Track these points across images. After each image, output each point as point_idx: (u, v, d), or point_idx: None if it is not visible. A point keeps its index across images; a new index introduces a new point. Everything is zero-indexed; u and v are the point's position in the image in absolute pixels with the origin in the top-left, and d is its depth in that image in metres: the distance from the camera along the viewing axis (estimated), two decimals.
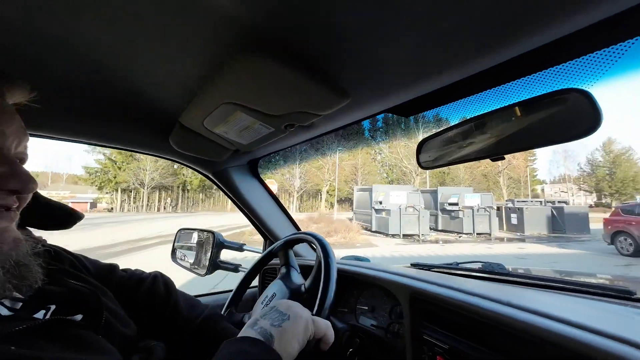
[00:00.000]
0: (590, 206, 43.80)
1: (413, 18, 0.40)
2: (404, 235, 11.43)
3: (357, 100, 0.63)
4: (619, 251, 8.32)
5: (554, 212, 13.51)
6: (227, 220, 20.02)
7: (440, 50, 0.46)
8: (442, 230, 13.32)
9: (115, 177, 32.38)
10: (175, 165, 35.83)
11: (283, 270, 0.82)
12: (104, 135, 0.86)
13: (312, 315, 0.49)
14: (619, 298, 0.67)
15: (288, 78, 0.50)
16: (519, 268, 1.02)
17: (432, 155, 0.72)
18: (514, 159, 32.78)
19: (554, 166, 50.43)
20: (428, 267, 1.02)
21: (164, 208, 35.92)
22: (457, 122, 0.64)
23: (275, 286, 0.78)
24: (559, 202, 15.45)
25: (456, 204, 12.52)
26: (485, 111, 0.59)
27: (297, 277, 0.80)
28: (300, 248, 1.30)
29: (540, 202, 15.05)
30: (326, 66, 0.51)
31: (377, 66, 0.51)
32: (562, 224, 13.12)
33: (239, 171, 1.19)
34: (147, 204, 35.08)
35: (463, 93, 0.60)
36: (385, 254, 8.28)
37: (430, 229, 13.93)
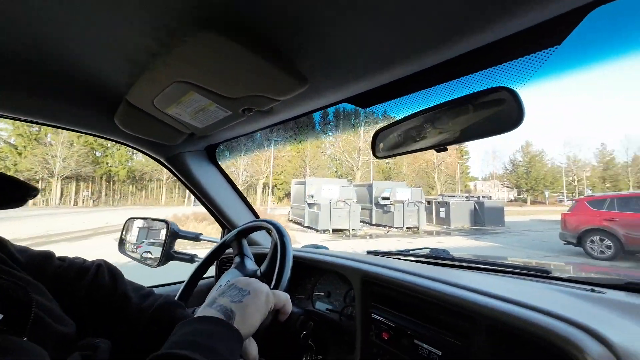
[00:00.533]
0: (511, 201, 49.97)
1: (370, 9, 0.42)
2: (333, 230, 10.99)
3: (316, 88, 0.64)
4: (589, 253, 6.65)
5: (476, 207, 14.38)
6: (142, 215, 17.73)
7: (394, 44, 0.48)
8: (375, 225, 13.28)
9: (15, 165, 26.95)
10: (98, 153, 31.21)
11: (237, 259, 0.80)
12: (41, 112, 0.78)
13: (271, 289, 0.50)
14: (538, 276, 0.78)
15: (244, 60, 0.50)
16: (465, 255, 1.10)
17: (386, 146, 0.74)
18: (447, 157, 35.05)
19: (485, 164, 56.12)
20: (383, 254, 1.10)
21: (83, 202, 31.09)
22: (408, 115, 0.66)
23: (230, 275, 0.76)
24: (482, 197, 16.65)
25: (388, 198, 12.49)
26: (433, 105, 0.62)
27: (251, 265, 0.78)
28: (259, 237, 1.29)
29: (466, 196, 15.98)
30: (285, 50, 0.51)
31: (336, 54, 0.52)
32: (482, 218, 14.02)
33: (195, 157, 1.15)
34: (61, 197, 29.99)
35: (415, 87, 0.63)
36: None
37: (365, 223, 13.84)
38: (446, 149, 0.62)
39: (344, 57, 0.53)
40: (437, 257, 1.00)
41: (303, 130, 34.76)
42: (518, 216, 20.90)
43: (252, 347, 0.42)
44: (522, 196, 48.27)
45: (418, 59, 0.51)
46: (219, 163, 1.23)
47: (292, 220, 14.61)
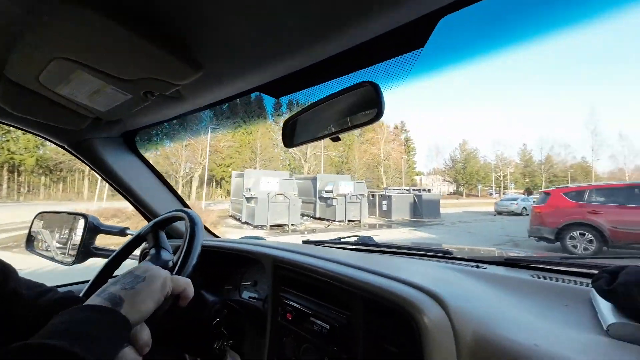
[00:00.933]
0: (450, 194, 54.68)
1: (248, 2, 0.44)
2: (271, 226, 10.34)
3: (219, 75, 0.65)
4: (569, 250, 5.90)
5: (416, 199, 14.96)
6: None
7: (286, 34, 0.50)
8: (319, 218, 12.96)
9: None
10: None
11: (152, 252, 0.78)
12: None
13: (173, 275, 0.50)
14: (442, 258, 0.89)
15: (127, 40, 0.49)
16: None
17: (294, 135, 0.76)
18: (392, 152, 36.45)
19: (429, 160, 60.29)
20: (318, 243, 1.20)
21: None
22: (308, 105, 0.69)
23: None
24: (422, 190, 17.51)
25: (331, 192, 12.22)
26: (330, 94, 0.66)
27: (167, 256, 0.76)
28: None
29: (407, 190, 16.54)
30: (174, 33, 0.51)
31: (232, 41, 0.53)
32: (421, 210, 14.64)
33: (110, 144, 1.11)
34: None
35: (322, 77, 0.66)
36: None
37: (309, 216, 13.45)
38: (339, 139, 0.66)
39: (241, 44, 0.54)
40: (363, 244, 1.14)
41: (249, 116, 33.08)
42: (453, 208, 22.57)
43: (144, 332, 0.41)
44: (459, 189, 53.09)
45: (314, 50, 0.54)
46: (142, 151, 1.19)
47: (231, 216, 13.57)
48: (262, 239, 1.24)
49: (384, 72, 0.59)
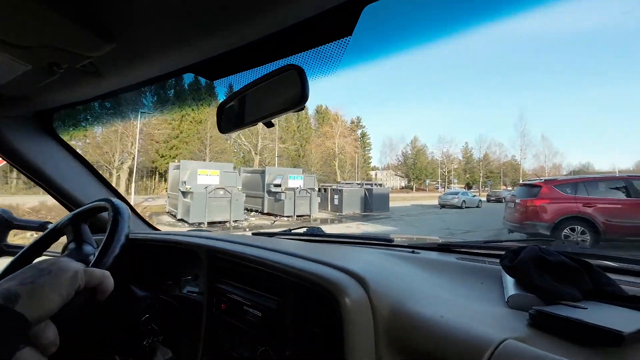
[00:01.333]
0: (402, 188, 57.69)
1: None
2: (209, 223, 9.42)
3: (138, 49, 0.59)
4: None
5: (366, 193, 15.09)
6: None
7: (212, 11, 0.47)
8: (267, 214, 12.28)
9: None
10: None
11: (72, 246, 0.72)
12: None
13: (90, 267, 0.48)
14: (384, 245, 0.96)
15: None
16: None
17: (228, 120, 0.74)
18: (347, 146, 36.87)
19: (384, 156, 62.70)
20: (269, 235, 1.23)
21: None
22: (241, 88, 0.67)
23: None
24: (375, 184, 17.80)
25: (280, 186, 11.61)
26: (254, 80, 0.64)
27: (89, 250, 0.72)
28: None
29: (359, 184, 16.63)
30: None
31: (149, 9, 0.48)
32: (371, 204, 14.81)
33: (18, 125, 0.99)
34: None
35: (255, 61, 0.64)
36: None
37: (257, 212, 12.72)
38: (272, 124, 0.65)
39: (162, 15, 0.49)
40: (312, 235, 1.20)
41: (199, 103, 30.65)
42: (403, 202, 23.59)
43: (49, 330, 0.39)
44: (410, 184, 56.26)
45: (244, 30, 0.52)
46: (65, 137, 1.10)
47: (168, 212, 12.21)
48: (208, 231, 1.22)
49: (316, 58, 0.59)
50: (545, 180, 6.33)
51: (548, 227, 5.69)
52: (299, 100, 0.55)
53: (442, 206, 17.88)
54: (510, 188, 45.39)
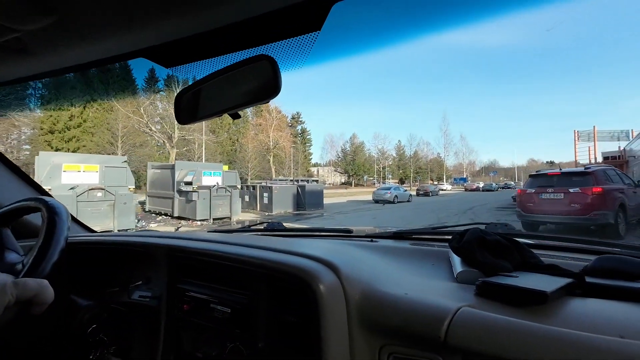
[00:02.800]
0: (342, 184, 58.92)
1: None
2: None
3: (81, 27, 0.52)
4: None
5: (299, 190, 14.01)
6: None
7: None
8: (178, 217, 10.19)
9: None
10: None
11: None
12: None
13: (21, 278, 0.44)
14: (344, 236, 1.02)
15: None
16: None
17: (188, 110, 0.70)
18: (281, 140, 35.39)
19: (325, 152, 63.06)
20: (227, 231, 1.22)
21: None
22: (205, 76, 0.63)
23: None
24: (309, 180, 16.88)
25: (191, 183, 9.66)
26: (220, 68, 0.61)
27: (14, 258, 0.65)
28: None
29: (292, 180, 15.46)
30: None
31: None
32: (304, 201, 13.79)
33: None
34: None
35: (217, 49, 0.61)
36: None
37: (166, 215, 10.52)
38: (239, 116, 0.63)
39: None
40: (272, 229, 1.20)
41: (109, 88, 25.62)
42: (340, 197, 23.36)
43: None
44: (349, 180, 57.74)
45: (206, 14, 0.49)
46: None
47: None
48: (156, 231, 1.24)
49: (283, 51, 0.57)
50: (586, 166, 6.22)
51: (613, 214, 5.36)
52: (271, 91, 0.54)
53: (376, 201, 17.96)
54: (435, 182, 50.09)
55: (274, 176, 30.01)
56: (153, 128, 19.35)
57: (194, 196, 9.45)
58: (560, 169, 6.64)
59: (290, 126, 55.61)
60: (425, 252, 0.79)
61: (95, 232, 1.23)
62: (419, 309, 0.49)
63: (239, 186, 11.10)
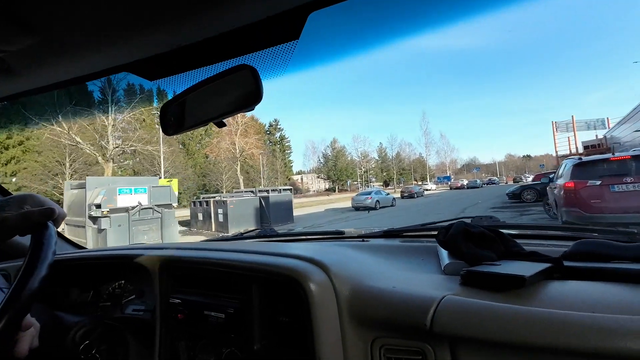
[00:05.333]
0: (326, 190, 56.96)
1: None
2: None
3: (61, 46, 0.52)
4: None
5: (262, 203, 11.77)
6: None
7: (152, 9, 0.44)
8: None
9: None
10: None
11: None
12: None
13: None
14: (336, 238, 1.04)
15: None
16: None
17: (174, 121, 0.70)
18: (246, 146, 32.83)
19: (307, 159, 61.04)
20: (220, 240, 1.27)
21: None
22: (188, 88, 0.64)
23: None
24: (281, 189, 14.63)
25: (100, 206, 7.19)
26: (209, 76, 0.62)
27: None
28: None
29: (253, 191, 13.18)
30: None
31: (77, 3, 0.44)
32: (269, 215, 11.54)
33: None
34: None
35: (199, 61, 0.62)
36: None
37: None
38: (224, 124, 0.63)
39: (97, 11, 0.44)
40: (265, 235, 1.21)
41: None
42: (318, 206, 21.24)
43: None
44: (333, 186, 55.88)
45: (188, 29, 0.50)
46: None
47: None
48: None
49: (263, 61, 0.59)
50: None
51: None
52: (253, 99, 0.55)
53: (356, 209, 15.95)
54: (420, 182, 49.06)
55: (242, 187, 27.30)
56: (78, 138, 16.34)
57: (104, 223, 7.01)
58: (614, 154, 5.18)
59: (268, 133, 53.60)
60: (414, 248, 0.82)
61: (84, 248, 1.23)
62: (406, 301, 0.51)
63: (175, 204, 8.70)
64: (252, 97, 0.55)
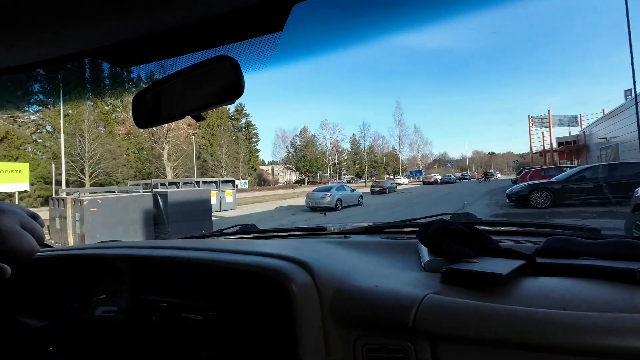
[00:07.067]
0: (295, 182, 53.08)
1: None
2: None
3: (15, 27, 0.47)
4: None
5: (160, 201, 7.66)
6: None
7: None
8: None
9: None
10: None
11: None
12: None
13: None
14: (319, 235, 1.02)
15: None
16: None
17: (147, 112, 0.66)
18: (172, 125, 27.49)
19: (277, 149, 56.47)
20: (199, 237, 1.17)
21: None
22: (164, 78, 0.60)
23: None
24: (228, 181, 10.49)
25: None
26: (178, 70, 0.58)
27: None
28: None
29: (147, 184, 8.97)
30: None
31: None
32: (166, 219, 7.48)
33: None
34: None
35: (177, 49, 0.58)
36: None
37: None
38: (203, 117, 0.60)
39: None
40: (245, 232, 1.15)
41: None
42: (274, 202, 17.44)
43: None
44: (302, 178, 52.13)
45: (163, 13, 0.46)
46: None
47: None
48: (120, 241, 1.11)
49: (245, 52, 0.56)
50: None
51: None
52: (233, 92, 0.52)
53: (312, 209, 12.27)
54: (392, 176, 46.77)
55: (169, 176, 22.11)
56: None
57: None
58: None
59: (233, 119, 48.34)
60: (396, 244, 0.82)
61: (51, 247, 1.11)
62: (389, 300, 0.52)
63: None
64: (232, 90, 0.51)
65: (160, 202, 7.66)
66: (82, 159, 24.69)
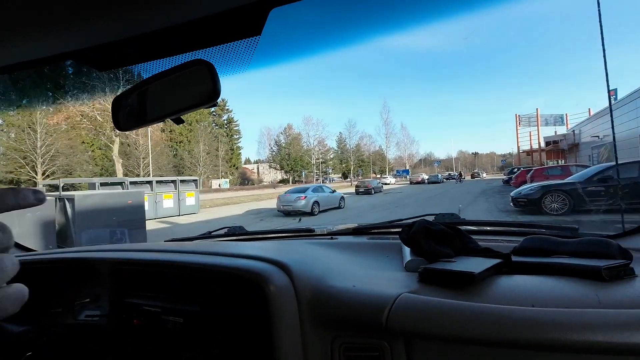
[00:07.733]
0: (280, 181, 51.08)
1: None
2: None
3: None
4: None
5: (68, 211, 5.69)
6: None
7: None
8: None
9: None
10: None
11: None
12: None
13: None
14: (307, 236, 1.03)
15: None
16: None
17: (127, 116, 0.66)
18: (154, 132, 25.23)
19: (262, 146, 54.15)
20: (186, 239, 1.17)
21: None
22: (142, 81, 0.61)
23: None
24: (183, 181, 8.51)
25: None
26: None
27: None
28: None
29: (56, 188, 6.99)
30: None
31: None
32: (72, 235, 5.52)
33: None
34: None
35: (155, 52, 0.59)
36: None
37: None
38: (182, 121, 0.60)
39: None
40: (234, 234, 1.16)
41: None
42: (249, 203, 15.56)
43: None
44: (287, 177, 50.18)
45: (141, 17, 0.46)
46: None
47: None
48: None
49: (223, 56, 0.57)
50: None
51: None
52: (210, 95, 0.52)
53: (286, 213, 10.50)
54: (378, 176, 45.57)
55: (120, 174, 19.58)
56: None
57: None
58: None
59: (214, 115, 45.87)
60: (381, 245, 0.84)
61: (34, 250, 1.14)
62: (364, 299, 0.53)
63: None
64: (209, 93, 0.52)
65: (68, 209, 5.71)
66: (33, 155, 21.91)
